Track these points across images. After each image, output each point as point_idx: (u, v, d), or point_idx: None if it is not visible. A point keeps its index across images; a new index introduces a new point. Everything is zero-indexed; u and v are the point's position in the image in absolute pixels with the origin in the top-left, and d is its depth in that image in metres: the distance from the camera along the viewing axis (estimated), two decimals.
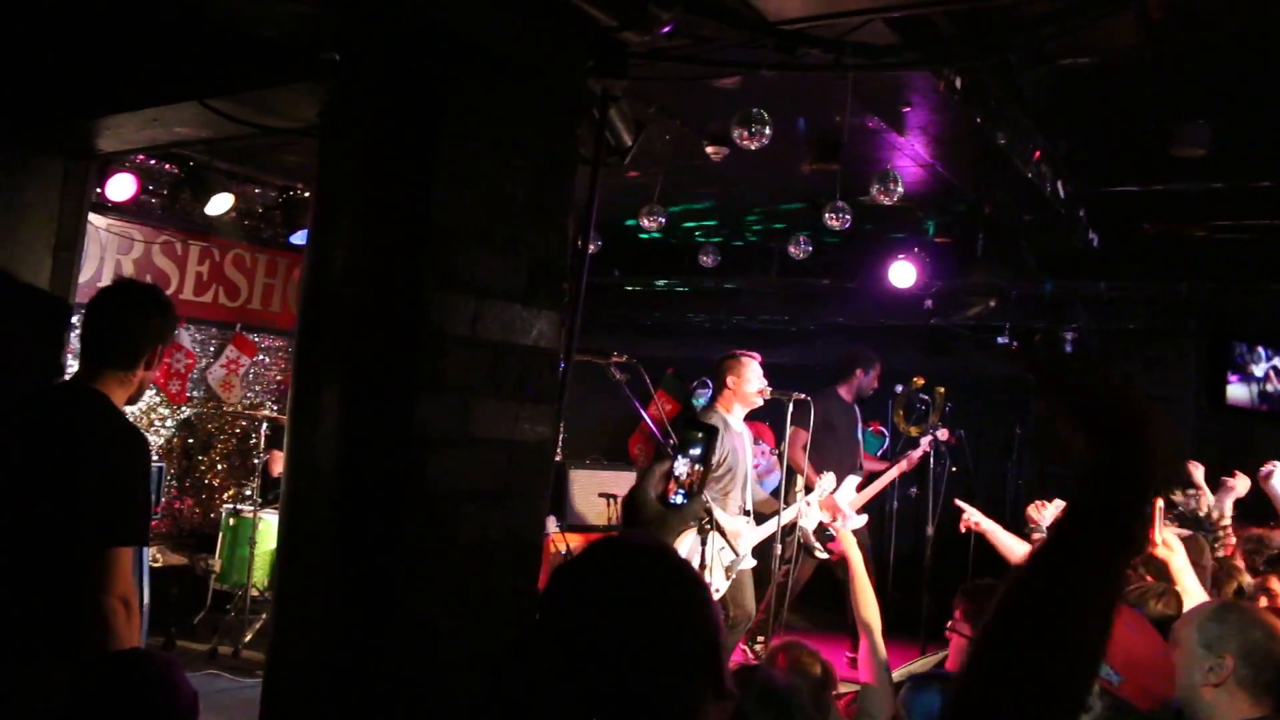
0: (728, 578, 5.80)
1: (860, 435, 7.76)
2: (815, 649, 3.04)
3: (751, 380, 5.96)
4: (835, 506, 6.92)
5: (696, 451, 1.75)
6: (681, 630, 1.39)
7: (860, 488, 7.31)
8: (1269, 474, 5.37)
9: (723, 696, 1.42)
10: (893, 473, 7.52)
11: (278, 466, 7.33)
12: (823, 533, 6.76)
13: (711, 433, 1.78)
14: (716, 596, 5.74)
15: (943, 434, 7.70)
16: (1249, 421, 8.08)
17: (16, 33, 3.47)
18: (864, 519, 7.28)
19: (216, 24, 2.69)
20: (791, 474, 6.91)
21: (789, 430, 6.57)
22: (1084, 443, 1.22)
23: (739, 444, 5.99)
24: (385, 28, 2.59)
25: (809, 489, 6.94)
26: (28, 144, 3.80)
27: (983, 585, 3.28)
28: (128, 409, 2.91)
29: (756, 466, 8.29)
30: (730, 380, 6.00)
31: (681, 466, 1.74)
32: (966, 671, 1.15)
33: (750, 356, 6.05)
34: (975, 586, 3.26)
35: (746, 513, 6.01)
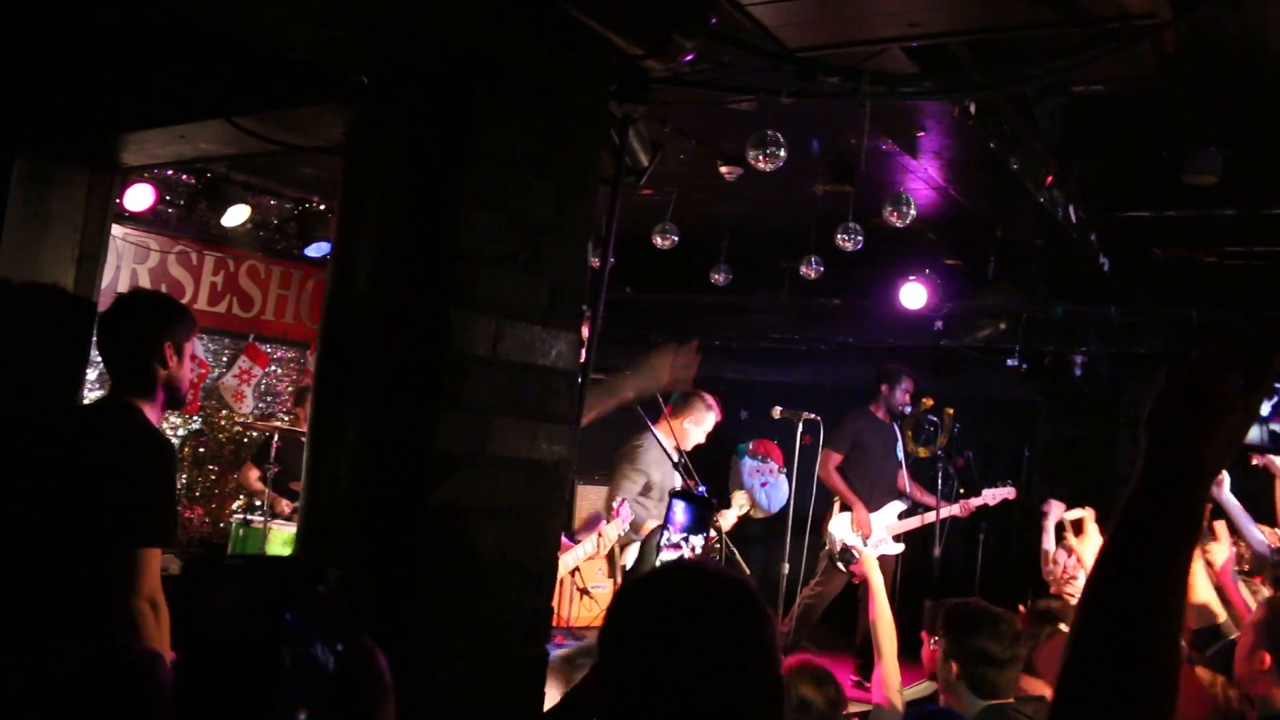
0: None
1: (901, 455, 7.65)
2: (827, 668, 3.07)
3: (699, 430, 5.94)
4: (867, 526, 6.95)
5: (694, 532, 1.68)
6: (749, 664, 1.37)
7: (904, 515, 7.27)
8: (1219, 483, 5.26)
9: None
10: (942, 513, 7.35)
11: (250, 477, 7.37)
12: (846, 554, 6.78)
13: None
14: None
15: (1008, 492, 7.54)
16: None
17: (45, 47, 3.52)
18: (901, 547, 7.25)
19: (245, 44, 2.73)
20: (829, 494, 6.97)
21: (820, 451, 6.61)
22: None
23: (668, 467, 5.96)
24: (414, 51, 2.63)
25: (845, 508, 6.98)
26: (54, 156, 3.85)
27: (955, 602, 3.33)
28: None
29: (765, 485, 8.31)
30: (687, 419, 5.97)
31: (677, 538, 1.69)
32: (1062, 669, 1.16)
33: (714, 410, 6.00)
34: (948, 604, 3.30)
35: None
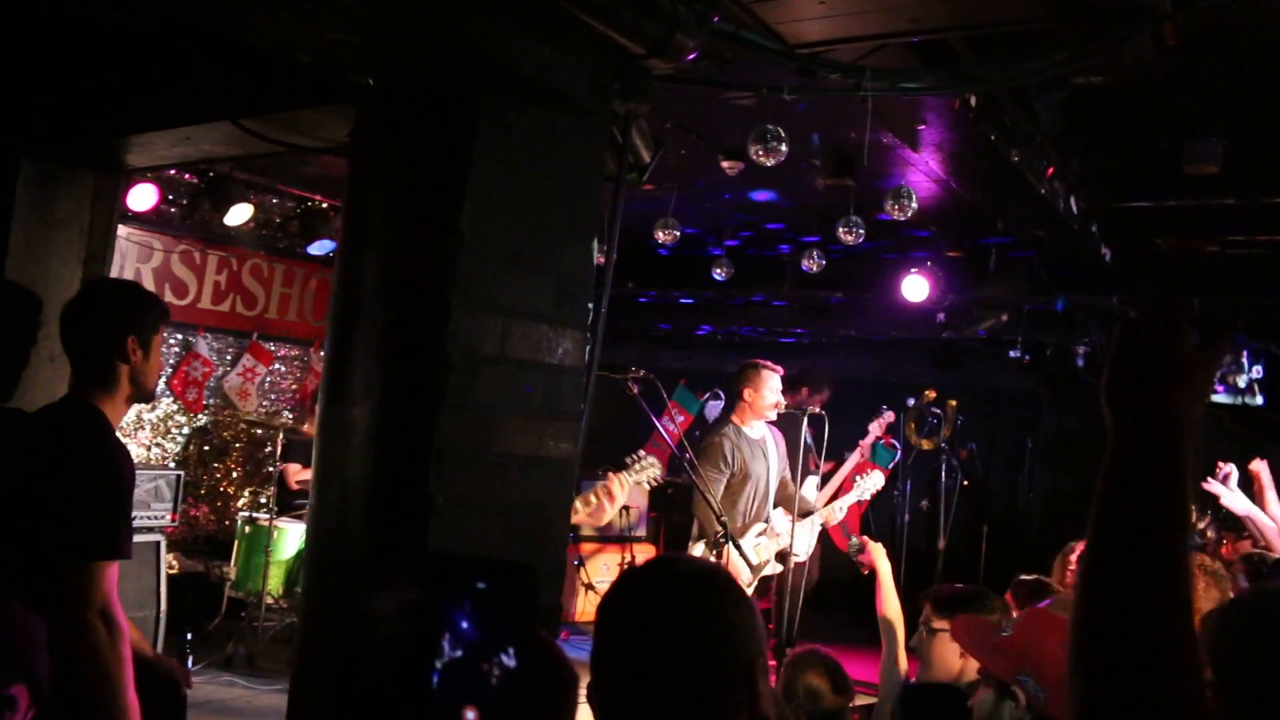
0: (748, 587, 5.85)
1: (806, 438, 7.70)
2: (834, 657, 3.10)
3: (767, 394, 5.95)
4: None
5: None
6: (723, 645, 1.44)
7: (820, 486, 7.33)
8: (1226, 476, 5.24)
9: (756, 718, 1.45)
10: (848, 466, 7.48)
11: (293, 479, 7.42)
12: (854, 546, 6.79)
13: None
14: None
15: (887, 417, 7.63)
16: (1251, 432, 8.07)
17: (50, 51, 3.54)
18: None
19: (250, 47, 2.74)
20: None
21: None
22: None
23: (754, 452, 5.99)
24: (418, 53, 2.65)
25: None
26: (60, 159, 3.86)
27: (949, 590, 3.36)
28: (145, 413, 2.85)
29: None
30: (746, 393, 6.00)
31: None
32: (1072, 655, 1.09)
33: (771, 370, 6.03)
34: (940, 590, 3.33)
35: (766, 519, 6.02)
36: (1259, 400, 1.44)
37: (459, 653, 0.92)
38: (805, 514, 6.10)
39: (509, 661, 0.93)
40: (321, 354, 6.01)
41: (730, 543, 5.10)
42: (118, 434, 2.76)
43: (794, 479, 6.17)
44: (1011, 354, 8.29)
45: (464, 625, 0.92)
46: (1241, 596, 2.24)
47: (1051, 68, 3.39)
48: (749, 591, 5.88)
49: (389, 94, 2.77)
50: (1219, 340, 1.17)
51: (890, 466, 8.62)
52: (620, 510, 8.28)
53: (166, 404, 8.15)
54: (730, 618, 1.46)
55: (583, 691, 1.50)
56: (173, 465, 7.86)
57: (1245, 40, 4.32)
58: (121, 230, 7.40)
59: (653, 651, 1.42)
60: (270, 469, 7.49)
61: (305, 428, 7.54)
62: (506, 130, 2.67)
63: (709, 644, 1.43)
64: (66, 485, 2.57)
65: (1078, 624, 1.09)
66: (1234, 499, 5.17)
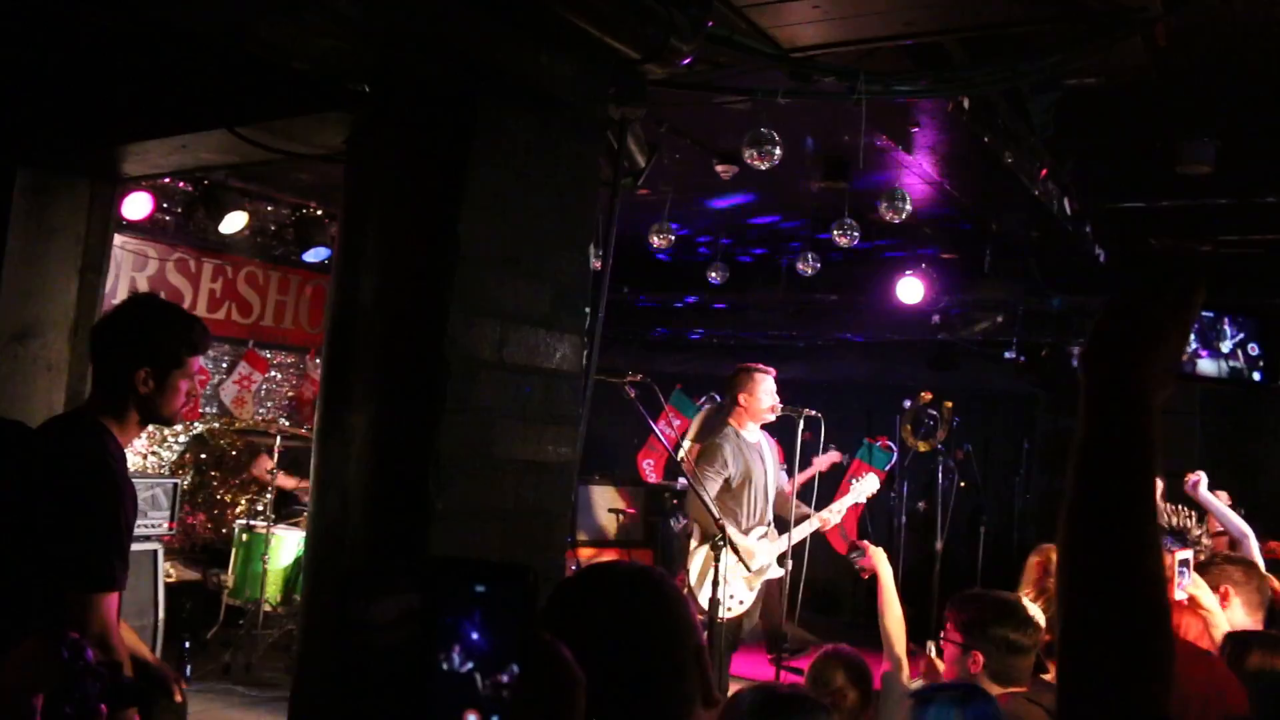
0: (749, 588, 5.85)
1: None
2: (864, 662, 3.11)
3: (763, 397, 5.97)
4: None
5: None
6: (663, 641, 1.51)
7: None
8: (1195, 484, 5.27)
9: (709, 704, 1.54)
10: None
11: (263, 469, 7.41)
12: (854, 549, 6.75)
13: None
14: (741, 609, 5.77)
15: (834, 456, 7.39)
16: (1238, 417, 8.07)
17: (47, 59, 3.54)
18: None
19: (247, 55, 2.75)
20: None
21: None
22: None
23: (752, 455, 5.99)
24: (415, 60, 2.65)
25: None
26: (56, 168, 3.86)
27: (972, 595, 3.33)
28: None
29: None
30: (741, 397, 6.01)
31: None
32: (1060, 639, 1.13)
33: (763, 372, 6.04)
34: (965, 596, 3.30)
35: (767, 523, 6.02)
36: (1248, 371, 1.45)
37: (458, 657, 0.91)
38: (802, 519, 6.09)
39: (510, 665, 0.93)
40: (318, 361, 6.01)
41: (729, 545, 5.10)
42: (126, 452, 2.67)
43: (792, 482, 6.17)
44: (1007, 355, 8.30)
45: (463, 629, 0.92)
46: None
47: (1044, 70, 3.41)
48: (753, 594, 5.89)
49: (386, 101, 2.78)
50: (1190, 301, 1.19)
51: (886, 469, 8.62)
52: (617, 516, 8.30)
53: None
54: (674, 610, 1.55)
55: None
56: (169, 474, 7.85)
57: (1237, 40, 4.34)
58: (116, 239, 7.37)
59: (612, 651, 1.47)
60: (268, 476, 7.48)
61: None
62: (503, 136, 2.68)
63: (662, 636, 1.51)
64: (68, 511, 2.50)
65: (1061, 590, 1.14)
66: (1205, 495, 5.19)
